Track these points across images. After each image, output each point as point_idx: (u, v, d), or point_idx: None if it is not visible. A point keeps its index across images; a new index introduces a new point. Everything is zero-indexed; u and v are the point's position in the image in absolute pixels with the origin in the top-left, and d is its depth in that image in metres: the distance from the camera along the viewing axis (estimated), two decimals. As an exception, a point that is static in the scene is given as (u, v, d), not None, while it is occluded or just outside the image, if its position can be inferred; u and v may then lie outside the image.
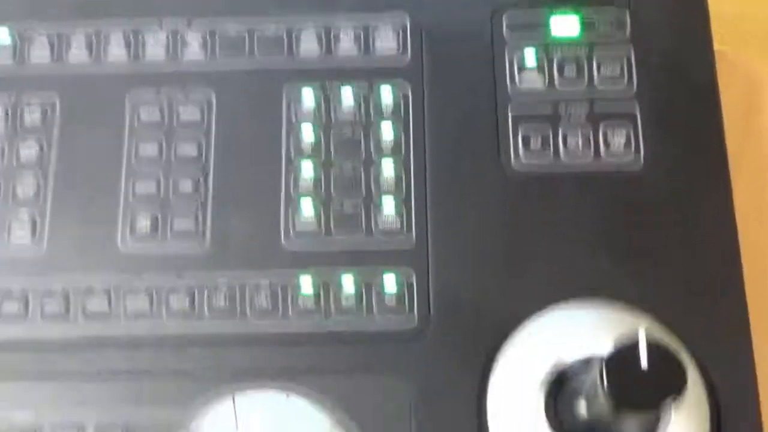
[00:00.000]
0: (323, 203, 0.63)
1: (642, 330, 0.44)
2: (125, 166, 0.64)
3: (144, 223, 0.62)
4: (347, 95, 0.65)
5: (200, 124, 0.65)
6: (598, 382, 0.46)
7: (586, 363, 0.55)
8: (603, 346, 0.55)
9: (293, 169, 0.64)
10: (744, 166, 0.69)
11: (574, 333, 0.58)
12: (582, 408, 0.54)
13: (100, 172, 0.64)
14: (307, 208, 0.62)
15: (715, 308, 0.60)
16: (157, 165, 0.64)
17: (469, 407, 0.58)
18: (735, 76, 0.71)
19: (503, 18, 0.66)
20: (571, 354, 0.57)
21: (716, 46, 0.66)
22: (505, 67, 0.65)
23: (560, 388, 0.56)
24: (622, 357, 0.45)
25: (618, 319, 0.59)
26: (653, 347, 0.45)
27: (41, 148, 0.64)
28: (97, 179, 0.64)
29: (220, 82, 0.66)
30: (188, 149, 0.64)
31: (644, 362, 0.44)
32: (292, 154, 0.64)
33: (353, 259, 0.61)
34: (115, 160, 0.64)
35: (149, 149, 0.64)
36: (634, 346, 0.44)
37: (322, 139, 0.64)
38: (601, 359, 0.47)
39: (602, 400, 0.48)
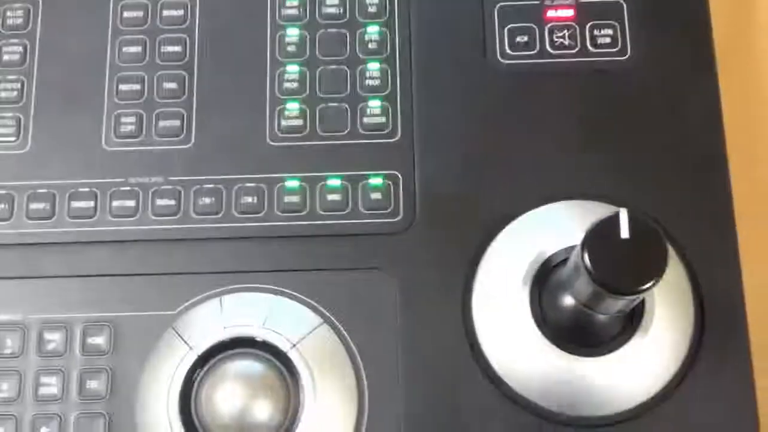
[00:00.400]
0: (308, 103, 0.62)
1: (624, 209, 0.44)
2: (109, 65, 0.63)
3: (129, 123, 0.62)
4: (332, -1, 0.64)
5: (184, 24, 0.64)
6: (579, 256, 0.46)
7: (568, 251, 0.55)
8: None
9: (278, 70, 0.63)
10: (735, 61, 0.69)
11: (558, 228, 0.58)
12: (566, 299, 0.54)
13: (83, 72, 0.63)
14: (292, 107, 0.62)
15: (700, 201, 0.59)
16: (141, 64, 0.63)
17: (454, 303, 0.58)
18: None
19: None
20: (553, 247, 0.57)
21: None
22: (491, -37, 0.64)
23: (544, 282, 0.57)
24: (603, 227, 0.44)
25: (604, 213, 0.59)
26: (634, 219, 0.45)
27: (24, 49, 0.64)
28: (80, 80, 0.63)
29: (203, -19, 0.65)
30: (172, 49, 0.64)
31: (624, 232, 0.44)
32: (278, 55, 0.63)
33: (339, 158, 0.61)
34: (99, 60, 0.64)
35: (133, 48, 0.64)
36: (614, 218, 0.44)
37: (308, 41, 0.64)
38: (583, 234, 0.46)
39: (584, 279, 0.48)
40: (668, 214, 0.59)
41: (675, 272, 0.58)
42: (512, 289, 0.57)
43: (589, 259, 0.45)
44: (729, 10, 0.71)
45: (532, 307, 0.56)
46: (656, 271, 0.45)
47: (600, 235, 0.46)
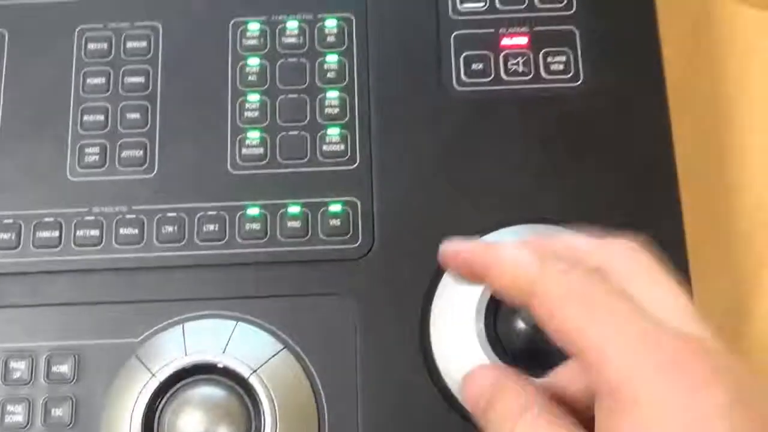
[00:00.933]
0: (269, 132, 0.64)
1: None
2: (73, 96, 0.65)
3: (93, 153, 0.63)
4: (292, 27, 0.65)
5: (147, 55, 0.65)
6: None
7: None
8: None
9: (239, 99, 0.64)
10: (689, 95, 0.71)
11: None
12: (518, 322, 0.56)
13: (48, 103, 0.65)
14: (253, 136, 0.63)
15: (652, 223, 0.60)
16: (104, 95, 0.65)
17: (412, 327, 0.59)
18: (679, 5, 0.72)
19: (444, -58, 0.66)
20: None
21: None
22: (446, -10, 0.66)
23: (498, 305, 0.58)
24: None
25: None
26: None
27: (-11, 82, 0.65)
28: (45, 110, 0.64)
29: (167, 12, 0.66)
30: (135, 80, 0.65)
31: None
32: (239, 85, 0.65)
33: (299, 186, 0.62)
34: (63, 91, 0.65)
35: (96, 80, 0.65)
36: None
37: (268, 70, 0.65)
38: None
39: None
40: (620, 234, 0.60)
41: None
42: (467, 313, 0.58)
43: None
44: (681, 36, 0.73)
45: (486, 331, 0.57)
46: None
47: None
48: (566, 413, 0.40)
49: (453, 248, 0.45)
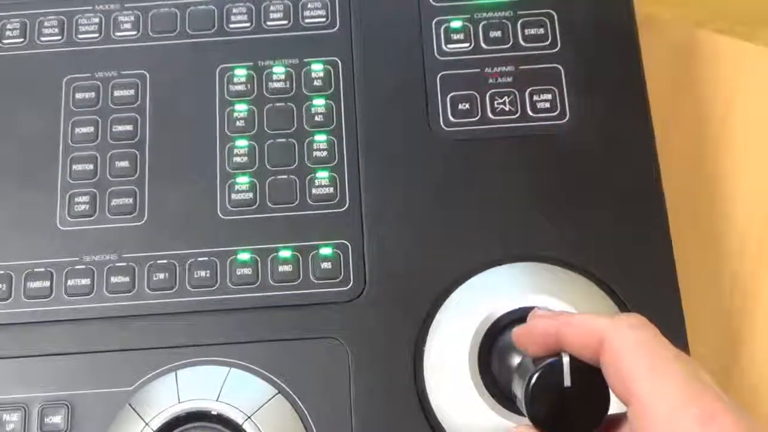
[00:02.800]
0: (258, 176, 0.64)
1: (566, 354, 0.45)
2: (62, 146, 0.65)
3: (82, 202, 0.63)
4: (279, 72, 0.66)
5: (134, 103, 0.66)
6: (522, 399, 0.46)
7: (513, 314, 0.57)
8: (530, 300, 0.57)
9: (228, 145, 0.64)
10: (674, 129, 0.71)
11: (504, 291, 0.59)
12: (512, 363, 0.55)
13: (37, 153, 0.65)
14: (242, 181, 0.63)
15: (642, 258, 0.61)
16: (93, 144, 0.65)
17: (406, 369, 0.59)
18: (662, 38, 0.73)
19: (430, -16, 0.67)
20: (501, 309, 0.58)
21: (645, 9, 0.67)
22: (432, 33, 0.66)
23: (492, 345, 0.58)
24: (546, 375, 0.45)
25: (550, 275, 0.60)
26: (576, 367, 0.45)
27: (-23, 132, 0.65)
28: (34, 160, 0.65)
29: (153, 61, 0.67)
30: (123, 128, 0.65)
31: (567, 381, 0.44)
32: (227, 130, 0.65)
33: (289, 230, 0.63)
34: (52, 141, 0.65)
35: (85, 129, 0.65)
36: (558, 366, 0.45)
37: (256, 115, 0.65)
38: (528, 376, 0.46)
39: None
40: (611, 271, 0.60)
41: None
42: (461, 354, 0.58)
43: (531, 411, 0.45)
44: (665, 70, 0.74)
45: (481, 372, 0.57)
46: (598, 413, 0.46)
47: (543, 383, 0.45)
48: None
49: (524, 329, 0.47)
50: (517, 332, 0.48)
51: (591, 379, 0.44)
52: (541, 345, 0.46)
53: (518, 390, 0.48)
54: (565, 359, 0.45)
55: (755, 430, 0.39)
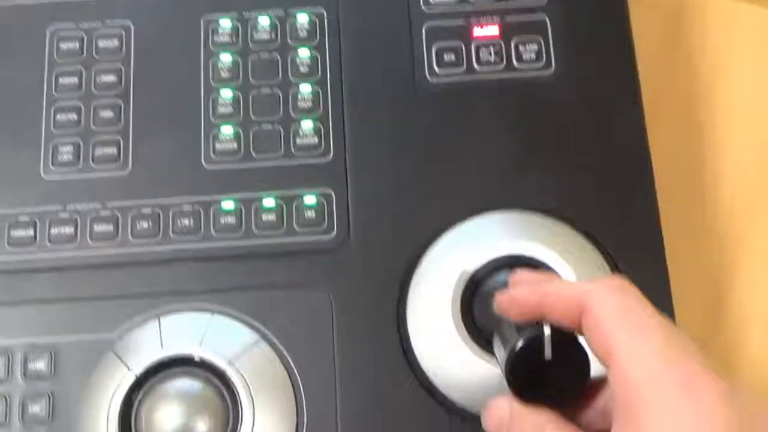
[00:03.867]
0: (242, 126, 0.64)
1: (547, 325, 0.45)
2: (46, 96, 0.65)
3: (66, 151, 0.63)
4: (264, 23, 0.66)
5: (119, 53, 0.65)
6: (502, 369, 0.46)
7: (495, 262, 0.57)
8: (512, 247, 0.57)
9: (212, 95, 0.64)
10: (663, 85, 0.71)
11: (486, 239, 0.59)
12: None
13: (20, 103, 0.65)
14: (226, 131, 0.63)
15: (626, 208, 0.61)
16: (77, 94, 0.65)
17: (388, 316, 0.59)
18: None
19: (415, -65, 0.67)
20: (482, 257, 0.58)
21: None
22: (417, -17, 0.66)
23: (473, 292, 0.58)
24: (527, 349, 0.45)
25: (534, 223, 0.60)
26: (557, 339, 0.45)
27: (-39, 82, 0.65)
28: (18, 111, 0.64)
29: (137, 11, 0.66)
30: (108, 78, 0.65)
31: (548, 353, 0.45)
32: (211, 81, 0.65)
33: (273, 179, 0.62)
34: (36, 91, 0.65)
35: (69, 79, 0.65)
36: (539, 338, 0.44)
37: (240, 66, 0.65)
38: (509, 350, 0.46)
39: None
40: (594, 221, 0.60)
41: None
42: (444, 300, 0.58)
43: (513, 384, 0.45)
44: (654, 23, 0.73)
45: (464, 318, 0.58)
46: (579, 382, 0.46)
47: (524, 357, 0.45)
48: (578, 430, 0.44)
49: (506, 297, 0.47)
50: (500, 299, 0.48)
51: (571, 351, 0.45)
52: (522, 313, 0.46)
53: (499, 354, 0.48)
54: (546, 331, 0.45)
55: (735, 397, 0.39)
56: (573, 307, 0.44)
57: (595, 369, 0.45)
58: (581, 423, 0.45)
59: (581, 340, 0.45)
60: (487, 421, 0.46)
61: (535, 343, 0.45)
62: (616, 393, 0.41)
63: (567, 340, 0.45)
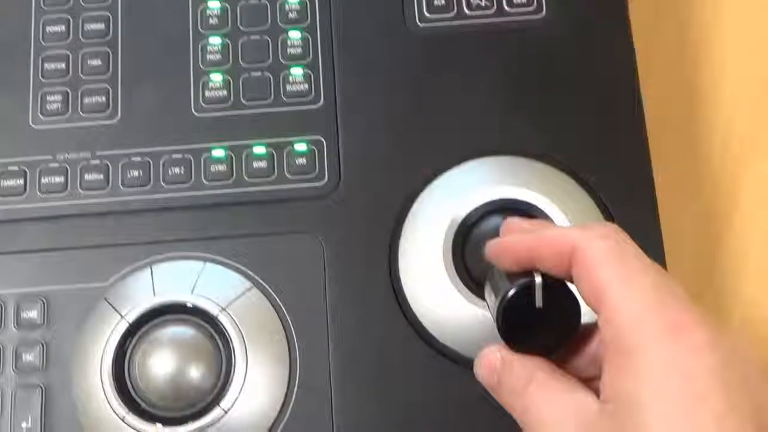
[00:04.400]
0: (232, 74, 0.63)
1: (538, 274, 0.45)
2: (33, 45, 0.64)
3: (55, 100, 0.63)
4: (253, -32, 0.65)
5: (106, 1, 0.65)
6: (494, 318, 0.47)
7: (487, 206, 0.57)
8: (503, 191, 0.57)
9: (201, 42, 0.64)
10: (655, 32, 0.71)
11: (478, 184, 0.59)
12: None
13: (8, 53, 0.64)
14: (216, 78, 0.63)
15: (617, 152, 0.61)
16: (64, 43, 0.64)
17: (380, 262, 0.59)
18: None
19: None
20: (474, 202, 0.58)
21: None
22: (405, -74, 0.65)
23: (466, 236, 0.58)
24: (518, 298, 0.45)
25: (525, 167, 0.60)
26: (548, 288, 0.45)
27: (-52, 31, 0.64)
28: (5, 60, 0.64)
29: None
30: (95, 26, 0.64)
31: (539, 302, 0.45)
32: (200, 28, 0.64)
33: (263, 126, 0.62)
34: (23, 40, 0.64)
35: (56, 28, 0.64)
36: (530, 287, 0.45)
37: (229, 13, 0.65)
38: (500, 299, 0.46)
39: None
40: (585, 164, 0.60)
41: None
42: (435, 244, 0.58)
43: (505, 333, 0.46)
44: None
45: (455, 263, 0.58)
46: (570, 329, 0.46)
47: (515, 305, 0.45)
48: (569, 376, 0.44)
49: (497, 245, 0.47)
50: (490, 247, 0.48)
51: (562, 298, 0.45)
52: (513, 262, 0.46)
53: (490, 302, 0.48)
54: (537, 280, 0.45)
55: (722, 341, 0.40)
56: (563, 253, 0.44)
57: (586, 318, 0.45)
58: (572, 369, 0.45)
59: (572, 288, 0.45)
60: (479, 370, 0.47)
61: (526, 291, 0.45)
62: (606, 336, 0.42)
63: (558, 288, 0.45)
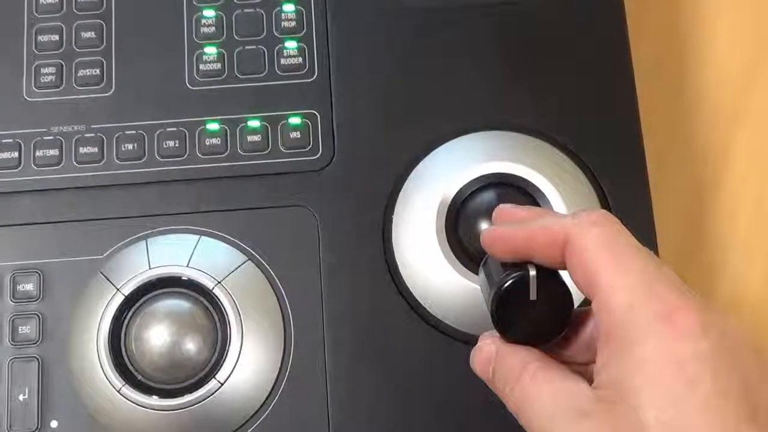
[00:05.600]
0: (226, 47, 0.63)
1: (532, 267, 0.45)
2: (26, 17, 0.64)
3: (49, 73, 0.63)
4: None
5: (100, -27, 0.65)
6: (488, 309, 0.47)
7: (480, 180, 0.57)
8: (495, 166, 0.57)
9: (195, 15, 0.64)
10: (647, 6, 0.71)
11: (471, 158, 0.60)
12: (479, 227, 0.56)
13: (1, 25, 0.64)
14: (210, 52, 0.63)
15: (609, 127, 0.61)
16: (58, 15, 0.64)
17: (374, 235, 0.60)
18: None
19: None
20: (467, 176, 0.58)
21: None
22: None
23: (459, 210, 0.59)
24: (511, 290, 0.45)
25: (518, 142, 0.61)
26: (542, 280, 0.45)
27: (-60, 4, 0.64)
28: (-1, 32, 0.64)
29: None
30: (89, -2, 0.64)
31: (533, 294, 0.45)
32: (194, 1, 0.64)
33: (258, 100, 0.62)
34: (16, 12, 0.64)
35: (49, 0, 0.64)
36: (524, 280, 0.45)
37: (223, -15, 0.65)
38: (493, 292, 0.46)
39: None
40: (576, 138, 0.61)
41: (588, 199, 0.60)
42: (428, 218, 0.58)
43: (499, 323, 0.46)
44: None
45: (448, 238, 0.58)
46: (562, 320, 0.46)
47: (509, 297, 0.46)
48: (562, 365, 0.44)
49: (491, 235, 0.47)
50: (485, 237, 0.48)
51: (556, 290, 0.45)
52: (507, 252, 0.46)
53: (484, 292, 0.49)
54: (532, 273, 0.45)
55: (713, 324, 0.40)
56: (556, 243, 0.44)
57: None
58: (567, 355, 0.46)
59: (565, 276, 0.45)
60: (474, 362, 0.47)
61: (520, 284, 0.45)
62: (599, 323, 0.42)
63: (551, 279, 0.45)
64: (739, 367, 0.40)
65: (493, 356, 0.46)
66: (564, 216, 0.45)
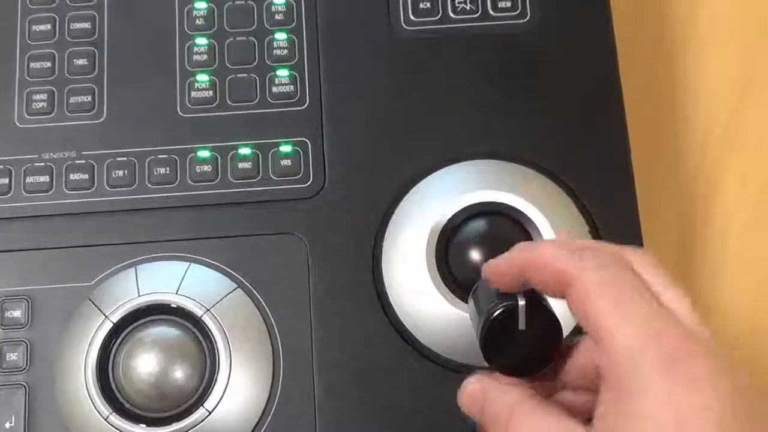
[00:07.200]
0: (218, 74, 0.63)
1: (522, 297, 0.45)
2: (19, 44, 0.64)
3: (40, 99, 0.63)
4: (240, -31, 0.65)
5: (93, 0, 0.65)
6: (477, 339, 0.47)
7: (470, 209, 0.57)
8: (488, 196, 0.57)
9: (187, 43, 0.64)
10: (636, 30, 0.71)
11: (461, 187, 0.60)
12: (469, 257, 0.56)
13: (-7, 51, 0.64)
14: (202, 79, 0.63)
15: (599, 156, 0.61)
16: (51, 42, 0.64)
17: (364, 263, 0.60)
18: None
19: None
20: (457, 205, 0.58)
21: None
22: (393, -71, 0.66)
23: (448, 240, 0.58)
24: (501, 320, 0.45)
25: (509, 171, 0.61)
26: (531, 311, 0.45)
27: (-68, 30, 0.64)
28: (-10, 59, 0.64)
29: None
30: (81, 25, 0.65)
31: (522, 325, 0.45)
32: (186, 28, 0.65)
33: (249, 127, 0.63)
34: (9, 39, 0.64)
35: (42, 27, 0.64)
36: (513, 310, 0.45)
37: (215, 14, 0.65)
38: (482, 322, 0.46)
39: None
40: (567, 165, 0.61)
41: (578, 226, 0.60)
42: (418, 246, 0.58)
43: (487, 353, 0.46)
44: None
45: (438, 264, 0.58)
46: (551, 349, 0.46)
47: (498, 327, 0.46)
48: (554, 405, 0.43)
49: (493, 268, 0.47)
50: (486, 270, 0.47)
51: (545, 320, 0.45)
52: (506, 284, 0.46)
53: (473, 320, 0.49)
54: (521, 303, 0.45)
55: (724, 375, 0.38)
56: (559, 284, 0.43)
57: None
58: (562, 381, 0.45)
59: (553, 305, 0.45)
60: (461, 400, 0.46)
61: (509, 313, 0.45)
62: (602, 368, 0.41)
63: (541, 310, 0.45)
64: (746, 420, 0.38)
65: (480, 397, 0.45)
66: (568, 256, 0.43)
